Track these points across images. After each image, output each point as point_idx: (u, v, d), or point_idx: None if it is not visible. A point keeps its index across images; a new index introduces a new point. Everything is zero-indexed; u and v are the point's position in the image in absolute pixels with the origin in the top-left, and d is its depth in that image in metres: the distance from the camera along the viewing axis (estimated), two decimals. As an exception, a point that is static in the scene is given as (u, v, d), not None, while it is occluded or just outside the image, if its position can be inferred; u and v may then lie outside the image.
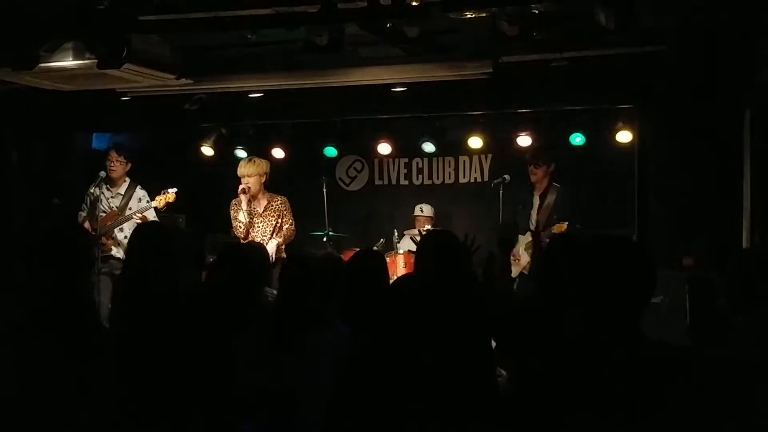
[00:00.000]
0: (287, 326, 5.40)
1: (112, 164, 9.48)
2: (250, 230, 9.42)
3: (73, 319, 4.27)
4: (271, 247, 9.17)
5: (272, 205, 9.48)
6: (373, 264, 6.01)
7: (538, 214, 9.49)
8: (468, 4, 6.31)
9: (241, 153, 11.09)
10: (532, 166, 9.47)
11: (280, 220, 9.48)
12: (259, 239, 9.31)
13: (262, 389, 5.04)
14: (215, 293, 5.59)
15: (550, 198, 9.48)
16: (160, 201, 9.36)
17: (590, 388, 3.19)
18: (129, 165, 9.63)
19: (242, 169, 9.42)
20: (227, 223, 11.05)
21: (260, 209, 9.45)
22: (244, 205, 9.35)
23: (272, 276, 6.83)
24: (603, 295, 3.23)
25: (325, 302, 5.72)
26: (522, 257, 9.39)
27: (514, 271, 9.36)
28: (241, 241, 9.31)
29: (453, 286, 4.99)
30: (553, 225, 9.23)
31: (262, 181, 9.48)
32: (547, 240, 8.94)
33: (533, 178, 9.54)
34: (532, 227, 9.44)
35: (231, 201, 9.55)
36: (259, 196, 9.48)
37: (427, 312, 4.77)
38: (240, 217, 9.37)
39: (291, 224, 9.50)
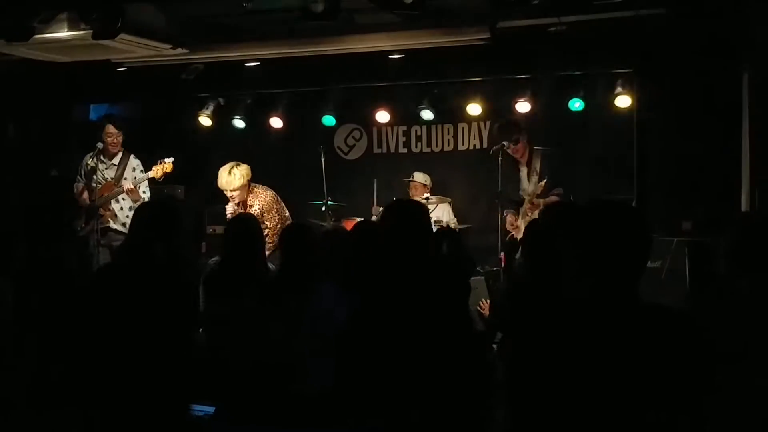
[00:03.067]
0: (287, 294, 5.43)
1: (108, 137, 9.42)
2: None
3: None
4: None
5: (253, 208, 8.86)
6: (371, 235, 6.01)
7: (530, 180, 9.44)
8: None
9: (239, 123, 11.06)
10: (511, 145, 9.37)
11: (261, 216, 8.77)
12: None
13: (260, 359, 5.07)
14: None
15: (535, 163, 9.43)
16: (158, 171, 9.27)
17: (589, 355, 3.19)
18: (123, 136, 9.55)
19: (225, 184, 8.78)
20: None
21: (255, 211, 8.99)
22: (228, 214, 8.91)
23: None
24: (599, 260, 3.21)
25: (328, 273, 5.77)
26: (521, 227, 9.34)
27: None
28: None
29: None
30: (548, 189, 9.22)
31: (247, 187, 8.84)
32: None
33: (516, 154, 9.46)
34: (526, 197, 9.38)
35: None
36: (249, 199, 8.91)
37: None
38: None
39: (277, 222, 8.88)
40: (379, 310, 4.83)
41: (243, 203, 8.86)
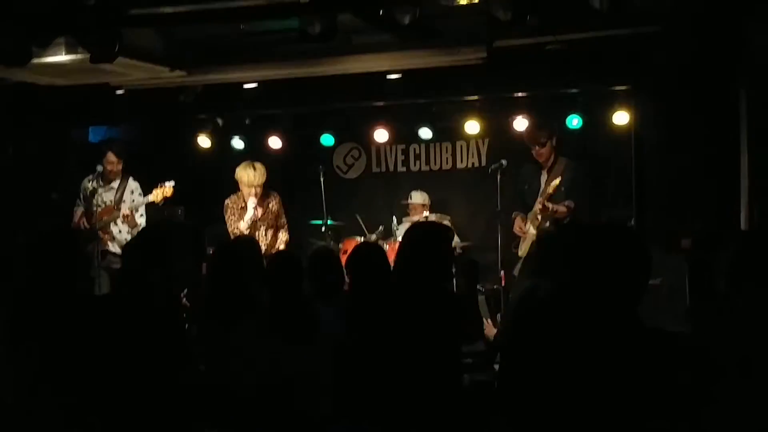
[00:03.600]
0: (283, 318, 5.43)
1: (108, 164, 9.44)
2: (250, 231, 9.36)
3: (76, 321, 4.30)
4: (282, 237, 9.56)
5: (268, 208, 9.49)
6: (374, 257, 6.01)
7: (547, 188, 9.43)
8: (459, -9, 6.27)
9: (237, 143, 11.11)
10: (537, 147, 9.34)
11: (276, 221, 9.57)
12: (261, 240, 9.30)
13: (261, 382, 5.06)
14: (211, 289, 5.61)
15: (557, 170, 9.39)
16: (157, 195, 9.31)
17: (588, 377, 3.20)
18: (122, 163, 9.61)
19: (253, 179, 9.25)
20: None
21: (259, 213, 9.40)
22: (246, 218, 9.29)
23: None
24: (599, 284, 3.23)
25: (320, 293, 5.77)
26: (529, 233, 9.31)
27: (523, 248, 9.33)
28: None
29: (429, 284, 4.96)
30: (563, 198, 9.17)
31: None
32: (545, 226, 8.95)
33: (541, 159, 9.38)
34: (540, 205, 9.36)
35: (225, 202, 9.51)
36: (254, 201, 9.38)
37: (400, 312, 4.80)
38: (241, 225, 9.30)
39: (284, 221, 9.67)
40: (374, 336, 4.84)
41: (262, 199, 9.39)
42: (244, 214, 9.31)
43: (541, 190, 9.33)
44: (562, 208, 9.00)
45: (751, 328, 4.24)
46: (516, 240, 9.65)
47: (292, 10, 6.73)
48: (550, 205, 9.00)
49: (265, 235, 9.45)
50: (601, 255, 3.27)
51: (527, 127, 9.72)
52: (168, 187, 9.29)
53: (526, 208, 9.50)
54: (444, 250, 5.12)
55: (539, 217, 9.16)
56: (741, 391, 4.03)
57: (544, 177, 9.42)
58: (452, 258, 5.29)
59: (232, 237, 9.26)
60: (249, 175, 9.25)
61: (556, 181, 8.98)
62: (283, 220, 9.65)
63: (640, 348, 3.19)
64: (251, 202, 9.24)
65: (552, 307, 4.25)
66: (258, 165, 9.35)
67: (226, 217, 9.43)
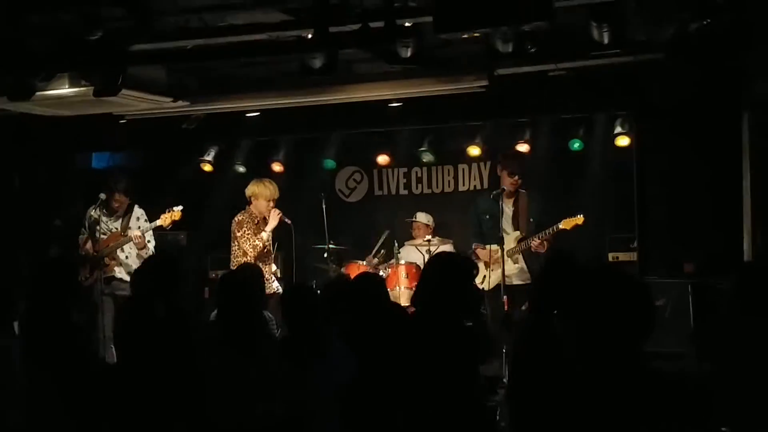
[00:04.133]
0: (294, 356, 5.43)
1: (116, 202, 9.44)
2: (262, 254, 9.39)
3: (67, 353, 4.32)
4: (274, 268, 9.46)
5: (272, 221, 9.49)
6: (373, 288, 6.02)
7: (515, 220, 9.42)
8: (459, 26, 6.29)
9: (240, 168, 11.11)
10: (516, 177, 9.36)
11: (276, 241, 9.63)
12: (267, 262, 9.38)
13: (270, 417, 5.07)
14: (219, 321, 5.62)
15: (522, 202, 9.42)
16: (166, 219, 9.32)
17: (590, 421, 3.21)
18: (129, 199, 9.57)
19: (269, 192, 9.41)
20: (228, 237, 11.11)
21: (269, 229, 9.44)
22: (268, 227, 9.36)
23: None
24: (602, 329, 3.24)
25: (330, 327, 5.77)
26: (507, 264, 9.27)
27: (491, 280, 9.36)
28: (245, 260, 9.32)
29: (450, 315, 4.98)
30: (533, 230, 9.21)
31: None
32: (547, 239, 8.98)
33: (512, 187, 9.36)
34: (509, 234, 9.35)
35: (235, 219, 9.50)
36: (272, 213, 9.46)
37: (421, 340, 4.81)
38: (264, 236, 9.33)
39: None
40: (384, 372, 4.85)
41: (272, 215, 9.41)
42: (263, 227, 9.35)
43: (504, 222, 9.34)
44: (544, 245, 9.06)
45: (753, 353, 4.31)
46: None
47: (295, 47, 6.77)
48: (546, 240, 9.05)
49: (270, 250, 9.52)
50: (606, 301, 3.27)
51: (515, 156, 9.73)
52: (176, 212, 9.31)
53: (483, 238, 9.49)
54: (468, 284, 5.14)
55: (521, 250, 9.24)
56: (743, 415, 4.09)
57: (508, 209, 9.44)
58: (473, 292, 5.29)
59: (243, 252, 9.32)
60: (269, 189, 9.39)
61: (580, 219, 9.01)
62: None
63: (640, 394, 3.20)
64: (275, 213, 9.34)
65: (555, 349, 4.29)
66: (272, 181, 9.58)
67: (240, 233, 9.36)
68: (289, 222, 9.45)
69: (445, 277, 5.06)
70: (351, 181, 12.01)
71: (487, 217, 9.41)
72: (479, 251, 9.53)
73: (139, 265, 8.84)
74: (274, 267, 9.59)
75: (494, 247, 9.22)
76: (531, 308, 6.51)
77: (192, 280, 11.08)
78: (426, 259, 9.55)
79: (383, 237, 10.76)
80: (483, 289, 9.35)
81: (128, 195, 9.47)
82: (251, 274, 6.67)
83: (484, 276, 9.43)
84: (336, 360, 5.33)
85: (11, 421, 4.45)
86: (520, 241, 9.28)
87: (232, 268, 9.32)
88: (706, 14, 6.55)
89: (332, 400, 5.15)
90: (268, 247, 9.37)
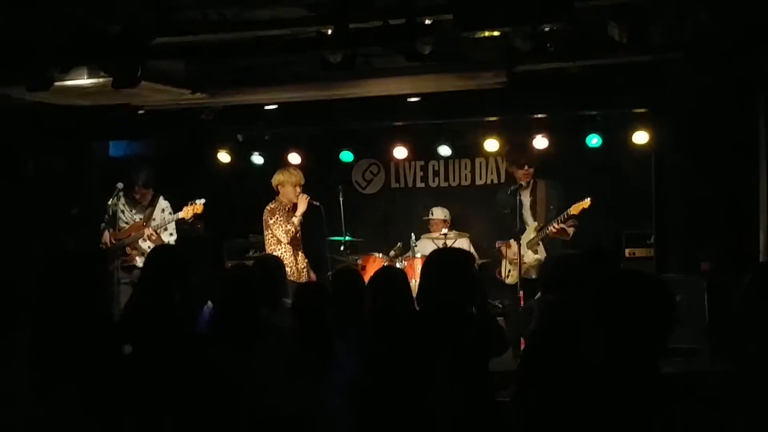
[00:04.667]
0: (303, 351, 5.45)
1: (137, 194, 9.51)
2: (297, 235, 9.61)
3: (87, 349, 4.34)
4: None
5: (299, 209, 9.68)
6: (394, 281, 6.03)
7: (533, 210, 9.44)
8: (480, 25, 6.29)
9: (257, 159, 11.14)
10: (526, 167, 9.39)
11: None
12: (298, 248, 9.62)
13: (277, 414, 5.09)
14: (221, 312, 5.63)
15: (540, 192, 9.44)
16: (188, 212, 9.36)
17: (604, 424, 3.23)
18: (152, 192, 9.65)
19: (294, 178, 9.69)
20: (245, 228, 11.18)
21: (299, 213, 9.63)
22: (298, 212, 9.58)
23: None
24: (621, 332, 3.25)
25: (344, 320, 5.78)
26: (526, 256, 9.31)
27: (514, 275, 9.37)
28: (279, 247, 9.54)
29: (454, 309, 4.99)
30: (554, 216, 9.20)
31: None
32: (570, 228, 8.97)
33: (525, 179, 9.41)
34: (530, 225, 9.38)
35: (269, 208, 9.69)
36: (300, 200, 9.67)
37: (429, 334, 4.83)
38: (295, 221, 9.53)
39: None
40: (397, 362, 4.87)
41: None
42: (293, 213, 9.58)
43: (525, 213, 9.40)
44: (570, 230, 9.05)
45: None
46: (498, 266, 9.69)
47: (315, 43, 6.77)
48: (562, 226, 9.03)
49: (302, 235, 9.72)
50: (627, 304, 3.28)
51: (519, 148, 9.77)
52: (198, 205, 9.36)
53: (508, 234, 9.52)
54: (468, 276, 5.15)
55: (540, 241, 9.23)
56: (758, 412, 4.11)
57: (526, 199, 9.46)
58: (475, 283, 5.30)
59: (277, 240, 9.54)
60: (294, 175, 9.69)
61: (586, 203, 8.98)
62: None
63: (657, 398, 3.21)
64: (303, 198, 9.57)
65: (570, 349, 4.30)
66: (294, 167, 9.96)
67: (272, 221, 9.56)
68: (317, 204, 9.64)
69: (442, 272, 5.09)
70: (368, 173, 12.04)
71: (507, 211, 9.43)
72: (503, 248, 9.61)
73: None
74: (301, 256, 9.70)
75: (513, 242, 9.27)
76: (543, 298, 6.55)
77: (208, 269, 11.14)
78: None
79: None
80: (507, 283, 9.40)
81: (150, 186, 9.51)
82: (264, 266, 6.71)
83: (509, 270, 9.47)
84: (341, 360, 5.36)
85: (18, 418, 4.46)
86: (539, 230, 9.29)
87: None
88: (725, 15, 6.53)
89: (338, 400, 5.20)
90: (299, 232, 9.58)
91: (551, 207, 9.34)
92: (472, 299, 5.10)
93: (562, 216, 9.08)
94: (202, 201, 9.35)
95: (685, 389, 3.28)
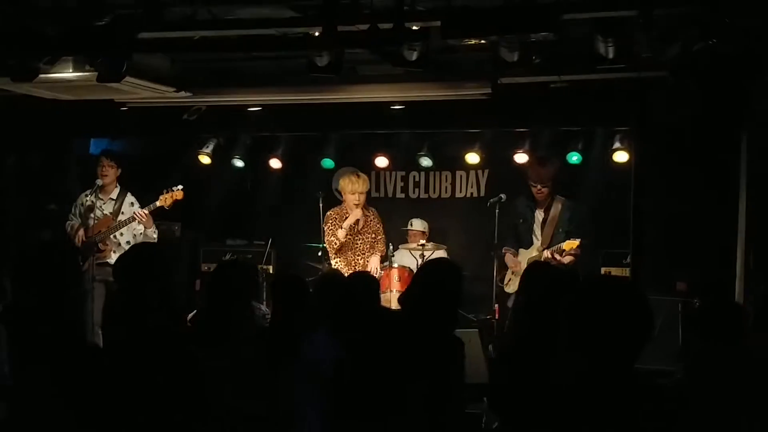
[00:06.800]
0: (281, 346, 5.44)
1: (104, 170, 9.44)
2: (347, 248, 9.55)
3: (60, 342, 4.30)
4: (374, 263, 9.54)
5: (369, 222, 9.65)
6: (365, 286, 6.04)
7: (543, 228, 9.46)
8: (467, 33, 6.32)
9: (238, 162, 11.11)
10: (539, 186, 9.42)
11: (375, 235, 9.69)
12: (359, 257, 9.54)
13: (254, 412, 5.07)
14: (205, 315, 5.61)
15: (555, 211, 9.44)
16: (166, 199, 9.29)
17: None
18: (119, 170, 9.57)
19: (353, 185, 9.51)
20: (222, 231, 11.15)
21: (359, 226, 9.56)
22: (345, 223, 9.47)
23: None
24: (596, 340, 3.24)
25: (319, 320, 5.78)
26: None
27: (513, 285, 9.37)
28: (332, 257, 9.58)
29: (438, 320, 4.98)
30: (561, 240, 9.21)
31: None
32: (568, 258, 8.99)
33: (541, 196, 9.46)
34: (537, 241, 9.42)
35: (328, 213, 9.74)
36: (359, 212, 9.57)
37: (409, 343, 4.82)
38: (339, 234, 9.47)
39: (383, 234, 9.79)
40: (368, 364, 4.85)
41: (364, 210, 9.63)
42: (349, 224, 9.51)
43: (535, 228, 9.39)
44: (569, 258, 9.06)
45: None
46: (502, 274, 9.71)
47: (302, 44, 6.78)
48: (558, 257, 9.06)
49: (362, 251, 9.61)
50: (601, 310, 3.27)
51: (534, 165, 9.69)
52: (178, 192, 9.30)
53: (518, 243, 9.57)
54: (458, 293, 5.15)
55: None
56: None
57: (539, 215, 9.48)
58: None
59: (327, 247, 9.64)
60: (352, 183, 9.53)
61: (574, 243, 9.03)
62: (381, 235, 9.80)
63: (633, 405, 3.21)
64: (357, 211, 9.49)
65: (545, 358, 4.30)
66: (361, 174, 9.74)
67: (326, 228, 9.61)
68: (373, 224, 9.67)
69: (439, 284, 5.07)
70: (348, 182, 12.00)
71: (521, 221, 9.48)
72: (508, 257, 9.62)
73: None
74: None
75: (525, 251, 9.38)
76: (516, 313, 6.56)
77: (184, 272, 11.11)
78: (419, 264, 9.58)
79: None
80: (507, 291, 9.49)
81: (115, 162, 9.49)
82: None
83: (509, 279, 9.50)
84: (321, 352, 5.36)
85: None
86: (541, 251, 9.36)
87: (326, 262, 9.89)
88: (713, 34, 6.57)
89: (317, 391, 5.19)
90: (343, 243, 9.52)
91: (560, 229, 9.37)
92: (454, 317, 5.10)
93: (556, 247, 9.15)
94: (180, 187, 9.31)
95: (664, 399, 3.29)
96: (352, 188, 9.47)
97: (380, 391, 4.72)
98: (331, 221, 9.58)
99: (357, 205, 9.47)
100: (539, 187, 9.36)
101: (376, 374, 4.77)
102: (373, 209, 9.83)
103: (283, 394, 5.28)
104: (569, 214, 9.43)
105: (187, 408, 4.42)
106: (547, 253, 9.19)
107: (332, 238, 9.47)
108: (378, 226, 9.73)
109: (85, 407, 4.19)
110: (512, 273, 9.55)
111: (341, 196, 10.40)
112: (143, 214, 9.21)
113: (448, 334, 4.97)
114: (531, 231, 9.43)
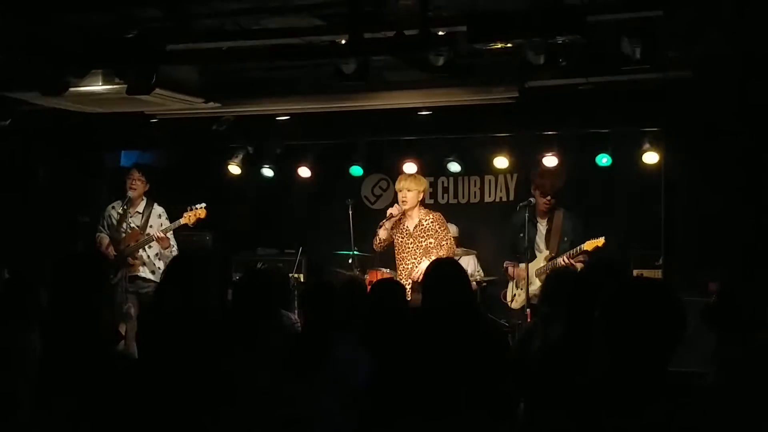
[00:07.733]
0: (308, 354, 5.46)
1: (133, 183, 9.52)
2: (400, 249, 9.45)
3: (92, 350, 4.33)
4: (423, 267, 9.12)
5: (423, 225, 9.39)
6: (392, 293, 6.06)
7: (547, 238, 9.42)
8: (493, 37, 6.34)
9: (267, 172, 11.15)
10: (548, 197, 9.35)
11: (432, 240, 9.34)
12: (409, 260, 9.35)
13: (278, 417, 5.09)
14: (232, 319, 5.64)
15: (557, 221, 9.40)
16: (190, 217, 9.37)
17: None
18: (147, 185, 9.65)
19: (403, 182, 9.42)
20: (252, 240, 11.20)
21: (411, 228, 9.40)
22: (388, 223, 9.40)
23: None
24: (632, 339, 3.24)
25: (347, 327, 5.80)
26: (534, 284, 9.25)
27: (519, 300, 9.38)
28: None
29: (458, 316, 5.00)
30: (567, 249, 9.16)
31: (420, 198, 9.48)
32: (578, 263, 8.92)
33: (545, 207, 9.39)
34: (541, 252, 9.38)
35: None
36: (413, 213, 9.41)
37: (436, 342, 4.83)
38: (380, 233, 9.45)
39: (449, 241, 9.40)
40: (403, 374, 4.87)
41: (411, 215, 9.39)
42: (398, 223, 9.43)
43: (538, 240, 9.40)
44: (579, 266, 9.02)
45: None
46: (504, 289, 9.69)
47: (329, 52, 6.81)
48: (571, 261, 9.00)
49: (414, 254, 9.38)
50: (636, 312, 3.27)
51: (548, 177, 9.57)
52: (200, 209, 9.36)
53: (518, 256, 9.48)
54: (464, 284, 5.17)
55: (548, 271, 9.17)
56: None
57: (542, 226, 9.44)
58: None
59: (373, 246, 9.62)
60: (400, 180, 9.51)
61: (600, 241, 8.95)
62: (445, 241, 9.40)
63: (665, 406, 3.20)
64: (395, 210, 9.40)
65: (578, 358, 4.30)
66: (420, 176, 9.71)
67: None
68: (427, 227, 9.41)
69: (441, 280, 5.11)
70: (377, 189, 12.02)
71: (521, 236, 9.38)
72: (510, 269, 9.57)
73: (164, 263, 8.96)
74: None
75: (523, 265, 9.24)
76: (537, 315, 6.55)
77: (216, 282, 11.13)
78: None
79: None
80: (512, 307, 9.39)
81: (144, 175, 9.57)
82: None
83: (515, 294, 9.46)
84: (350, 362, 5.37)
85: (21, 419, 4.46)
86: (549, 260, 9.28)
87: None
88: (736, 34, 6.56)
89: (343, 402, 5.21)
90: (386, 245, 9.52)
91: (565, 238, 9.31)
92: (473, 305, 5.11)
93: (575, 250, 9.06)
94: (203, 205, 9.37)
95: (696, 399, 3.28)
96: (398, 185, 9.41)
97: (432, 392, 4.73)
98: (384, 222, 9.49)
99: (404, 202, 9.31)
100: (549, 198, 9.32)
101: (422, 376, 4.79)
102: (438, 214, 9.58)
103: (311, 401, 5.29)
104: (571, 223, 9.38)
105: (217, 416, 4.45)
106: (562, 260, 9.11)
107: (375, 237, 9.44)
108: (440, 232, 9.38)
109: (109, 420, 4.22)
110: (516, 286, 9.52)
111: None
112: (160, 236, 9.27)
113: (479, 323, 5.01)
114: (533, 243, 9.32)
